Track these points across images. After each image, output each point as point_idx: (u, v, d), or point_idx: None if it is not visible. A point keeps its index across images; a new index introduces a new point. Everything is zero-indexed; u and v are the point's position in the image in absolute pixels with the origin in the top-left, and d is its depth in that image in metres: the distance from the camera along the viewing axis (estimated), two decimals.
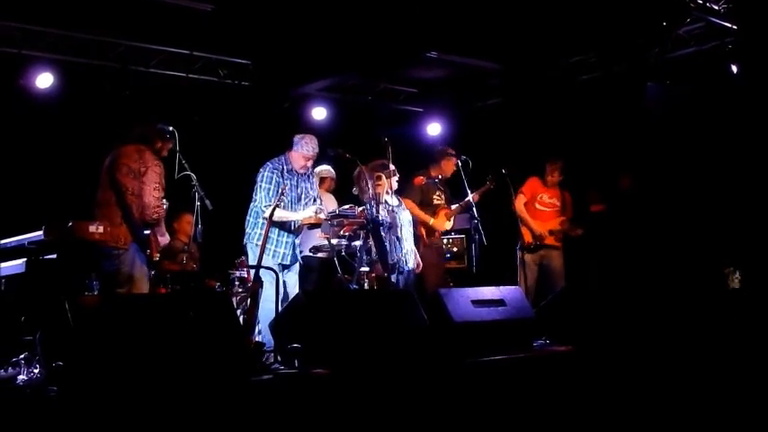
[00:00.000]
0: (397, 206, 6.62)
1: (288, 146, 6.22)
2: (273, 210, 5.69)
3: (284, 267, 6.08)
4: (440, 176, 7.29)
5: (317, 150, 6.19)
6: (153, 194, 5.22)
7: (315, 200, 6.31)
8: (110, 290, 5.20)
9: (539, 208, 7.76)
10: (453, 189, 7.36)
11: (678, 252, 7.13)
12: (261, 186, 6.04)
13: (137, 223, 5.21)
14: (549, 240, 7.66)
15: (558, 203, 7.84)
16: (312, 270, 6.62)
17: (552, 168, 7.82)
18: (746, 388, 4.58)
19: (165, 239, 5.51)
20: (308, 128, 7.43)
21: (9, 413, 3.45)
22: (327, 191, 7.32)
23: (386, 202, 6.39)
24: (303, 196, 6.22)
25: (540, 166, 7.89)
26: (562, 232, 7.71)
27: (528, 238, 7.59)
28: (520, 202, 7.64)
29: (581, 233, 7.72)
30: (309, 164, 6.25)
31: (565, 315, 5.70)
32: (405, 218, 6.61)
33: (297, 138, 6.19)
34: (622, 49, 8.31)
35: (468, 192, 6.92)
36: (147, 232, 5.32)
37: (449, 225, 7.26)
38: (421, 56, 8.37)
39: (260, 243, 5.72)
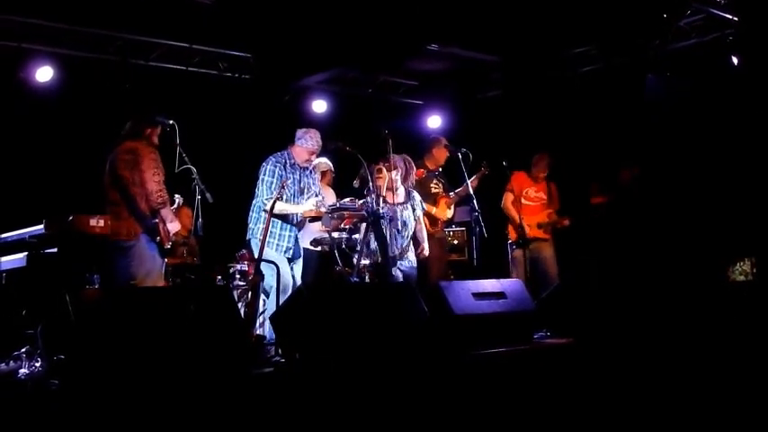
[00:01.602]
0: (401, 204, 6.45)
1: (290, 140, 6.21)
2: (274, 203, 5.69)
3: (289, 261, 6.08)
4: (439, 169, 7.37)
5: (320, 145, 6.18)
6: (153, 179, 5.32)
7: (317, 195, 6.29)
8: (123, 283, 5.24)
9: (525, 203, 7.79)
10: (452, 181, 7.37)
11: (678, 244, 7.13)
12: (263, 180, 6.02)
13: (143, 213, 5.29)
14: (538, 233, 7.70)
15: (545, 196, 7.89)
16: (312, 263, 6.61)
17: (538, 162, 7.87)
18: (744, 383, 4.58)
19: (175, 226, 5.53)
20: (309, 121, 7.43)
21: (10, 407, 3.46)
22: (328, 184, 7.31)
23: (384, 200, 6.28)
24: (306, 191, 6.20)
25: (527, 161, 7.94)
26: (550, 224, 7.76)
27: (513, 235, 7.68)
28: (508, 200, 7.73)
29: (568, 224, 7.77)
30: (312, 158, 6.25)
31: (565, 307, 5.70)
32: (406, 215, 6.48)
33: (300, 132, 6.18)
34: (623, 41, 8.28)
35: (468, 181, 6.93)
36: (155, 221, 5.36)
37: (450, 213, 7.33)
38: (421, 48, 8.36)
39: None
